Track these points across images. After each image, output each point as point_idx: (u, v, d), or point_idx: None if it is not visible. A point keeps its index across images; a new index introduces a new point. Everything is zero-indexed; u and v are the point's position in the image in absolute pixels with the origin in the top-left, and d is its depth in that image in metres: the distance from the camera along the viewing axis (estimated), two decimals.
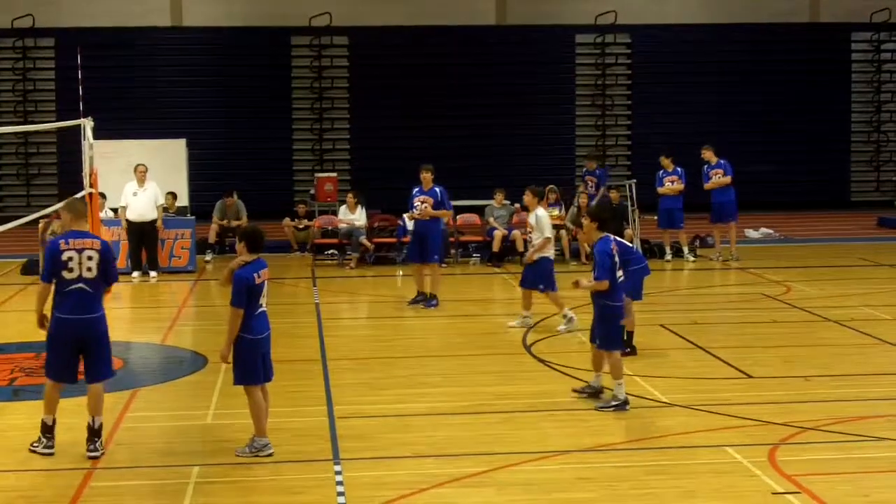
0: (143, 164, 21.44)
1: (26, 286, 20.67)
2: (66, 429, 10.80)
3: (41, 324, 10.09)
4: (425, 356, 14.37)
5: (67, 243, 9.81)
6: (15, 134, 28.97)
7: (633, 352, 13.63)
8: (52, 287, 9.91)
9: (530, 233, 16.10)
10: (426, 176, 17.90)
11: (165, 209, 23.20)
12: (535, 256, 15.70)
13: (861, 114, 32.20)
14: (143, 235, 21.14)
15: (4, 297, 19.26)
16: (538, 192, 16.44)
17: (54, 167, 29.76)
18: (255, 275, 9.83)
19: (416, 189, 17.99)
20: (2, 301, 18.87)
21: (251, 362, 9.85)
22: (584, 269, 22.18)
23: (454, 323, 16.46)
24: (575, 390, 11.96)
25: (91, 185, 18.86)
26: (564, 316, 15.44)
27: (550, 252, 15.84)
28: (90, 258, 9.77)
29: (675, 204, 23.10)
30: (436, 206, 17.76)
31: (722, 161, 23.07)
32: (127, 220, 21.16)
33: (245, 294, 9.71)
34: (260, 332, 9.89)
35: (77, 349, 9.95)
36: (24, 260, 22.49)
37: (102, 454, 9.95)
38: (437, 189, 17.84)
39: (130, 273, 20.98)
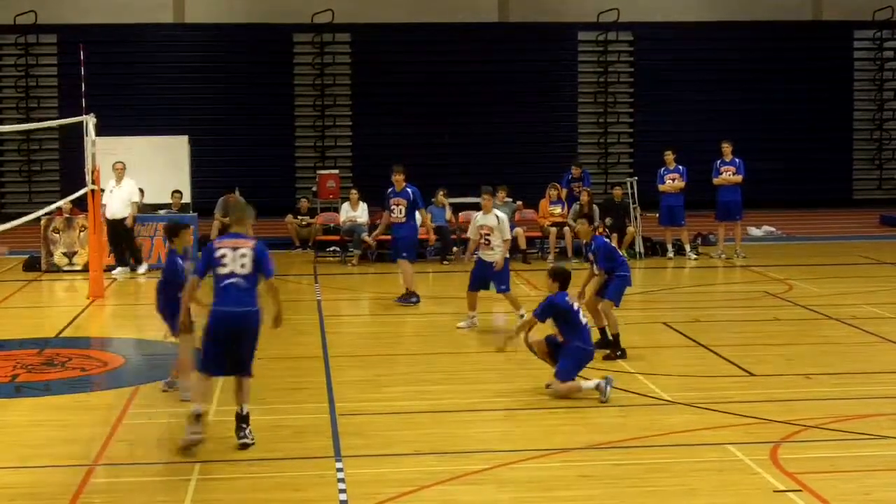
0: (121, 162, 21.35)
1: (28, 283, 20.70)
2: (60, 426, 10.83)
3: (186, 317, 10.66)
4: (427, 353, 14.37)
5: (223, 242, 10.28)
6: (17, 131, 28.95)
7: (623, 354, 13.54)
8: (198, 282, 10.35)
9: (487, 234, 15.64)
10: (398, 178, 17.92)
11: (169, 207, 23.24)
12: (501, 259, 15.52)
13: (863, 112, 32.16)
14: (117, 232, 21.04)
15: (6, 293, 19.26)
16: (493, 193, 16.35)
17: (56, 164, 29.75)
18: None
19: (390, 190, 18.04)
20: (4, 297, 18.86)
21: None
22: (585, 266, 22.20)
23: (456, 320, 16.44)
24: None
25: (93, 182, 18.91)
26: (521, 316, 15.00)
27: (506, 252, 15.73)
28: (244, 255, 10.11)
29: (676, 202, 23.11)
30: (409, 208, 17.81)
31: (736, 159, 23.06)
32: (104, 217, 21.14)
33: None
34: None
35: (231, 341, 10.11)
36: (26, 257, 22.51)
37: (253, 442, 10.07)
38: (410, 189, 17.88)
39: (114, 269, 20.99)
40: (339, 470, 9.43)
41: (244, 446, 10.05)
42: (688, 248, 23.40)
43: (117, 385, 12.57)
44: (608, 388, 11.52)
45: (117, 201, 21.10)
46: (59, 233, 21.84)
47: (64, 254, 21.78)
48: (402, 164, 18.24)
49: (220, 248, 10.16)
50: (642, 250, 23.38)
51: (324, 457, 9.82)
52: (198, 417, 9.97)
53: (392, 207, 17.93)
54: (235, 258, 10.06)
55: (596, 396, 11.58)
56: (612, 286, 13.65)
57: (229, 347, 10.08)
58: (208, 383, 10.31)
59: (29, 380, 12.89)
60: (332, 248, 23.79)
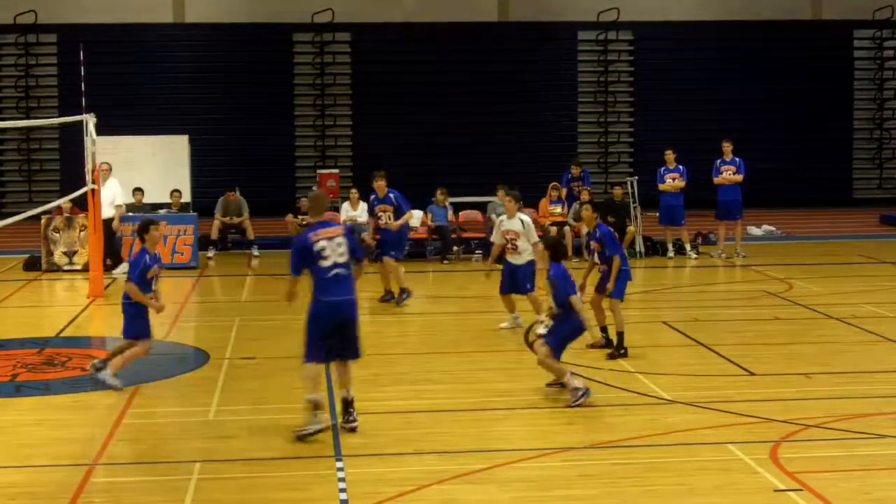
0: (107, 163, 21.14)
1: (28, 282, 20.69)
2: (60, 426, 10.83)
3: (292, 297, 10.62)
4: (427, 353, 14.37)
5: (317, 234, 10.39)
6: (17, 130, 28.96)
7: (625, 353, 13.57)
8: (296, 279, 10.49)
9: (514, 239, 15.37)
10: (379, 184, 17.94)
11: (169, 206, 23.22)
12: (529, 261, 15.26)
13: (863, 111, 32.16)
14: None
15: (7, 292, 19.26)
16: (518, 197, 15.74)
17: (56, 163, 29.75)
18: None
19: (373, 197, 18.04)
20: (4, 297, 18.86)
21: None
22: (584, 265, 22.20)
23: (456, 319, 16.45)
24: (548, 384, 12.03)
25: (93, 182, 18.91)
26: (541, 322, 14.47)
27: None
28: (339, 244, 10.37)
29: (676, 201, 23.12)
30: (396, 213, 17.78)
31: (737, 158, 23.06)
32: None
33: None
34: None
35: (336, 330, 10.39)
36: (27, 256, 22.50)
37: (357, 424, 10.43)
38: (392, 195, 17.87)
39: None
40: (340, 469, 9.44)
41: (353, 430, 10.40)
42: (688, 247, 23.40)
43: (118, 384, 12.53)
44: (584, 398, 11.36)
45: (102, 202, 20.94)
46: (59, 232, 21.84)
47: (64, 253, 21.78)
48: (382, 169, 18.21)
49: (317, 241, 10.36)
50: (643, 250, 23.38)
51: (324, 456, 9.83)
52: (317, 406, 10.31)
53: (379, 214, 17.91)
54: (334, 248, 10.39)
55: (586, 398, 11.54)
56: (617, 283, 13.57)
57: (338, 335, 10.42)
58: (320, 371, 10.54)
59: (29, 379, 12.89)
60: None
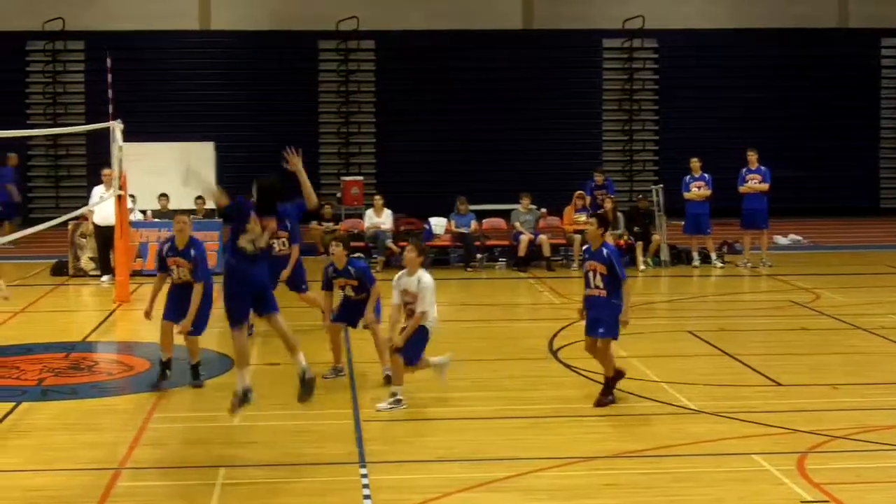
0: (111, 168, 21.24)
1: (55, 287, 20.79)
2: (86, 430, 10.86)
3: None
4: (451, 360, 14.31)
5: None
6: (45, 136, 29.13)
7: (613, 399, 11.79)
8: None
9: (410, 303, 11.92)
10: (337, 251, 16.41)
11: (194, 212, 23.27)
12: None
13: (891, 119, 31.99)
14: (107, 239, 20.96)
15: (34, 297, 19.35)
16: (423, 249, 12.70)
17: (83, 169, 29.87)
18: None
19: (330, 267, 16.69)
20: (32, 302, 18.95)
21: None
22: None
23: (480, 327, 16.43)
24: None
25: (120, 188, 18.99)
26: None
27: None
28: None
29: (701, 210, 23.03)
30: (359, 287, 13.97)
31: (762, 167, 22.96)
32: (94, 224, 21.12)
33: None
34: None
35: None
36: (54, 261, 22.61)
37: None
38: (352, 268, 14.19)
39: (100, 276, 21.02)
40: (364, 476, 9.43)
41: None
42: (713, 256, 23.31)
43: (142, 389, 12.59)
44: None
45: (107, 208, 21.00)
46: (86, 238, 21.92)
47: (91, 258, 21.86)
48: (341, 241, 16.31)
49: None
50: (668, 258, 23.31)
51: (348, 463, 9.82)
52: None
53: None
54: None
55: (611, 407, 11.50)
56: (608, 316, 11.50)
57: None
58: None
59: (55, 383, 12.94)
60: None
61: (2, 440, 10.69)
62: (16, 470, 9.74)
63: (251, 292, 10.33)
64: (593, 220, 11.98)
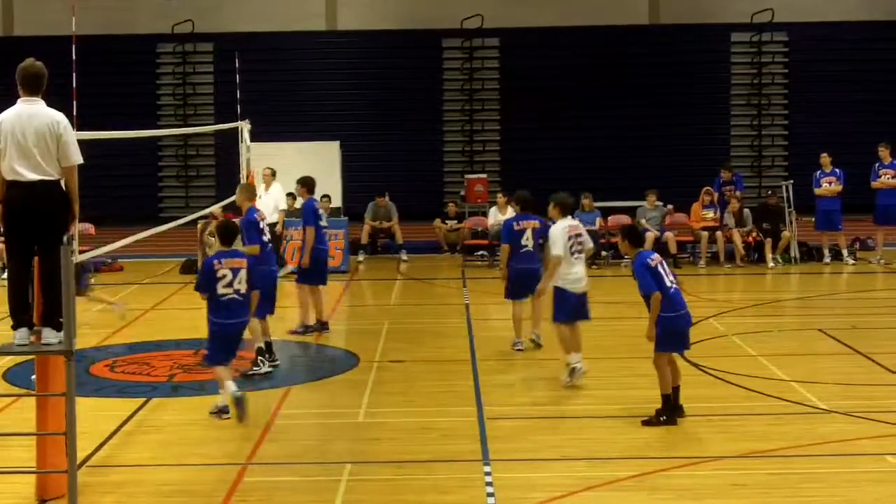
0: (270, 168, 21.59)
1: (185, 284, 21.21)
2: (214, 425, 11.04)
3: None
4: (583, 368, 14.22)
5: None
6: (175, 136, 29.79)
7: (668, 419, 10.99)
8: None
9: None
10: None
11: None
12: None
13: None
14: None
15: (164, 295, 19.79)
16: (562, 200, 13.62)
17: (212, 169, 30.49)
18: (217, 262, 11.40)
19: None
20: (162, 299, 19.38)
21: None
22: (737, 271, 21.80)
23: (605, 325, 16.27)
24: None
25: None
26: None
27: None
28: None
29: (833, 206, 22.53)
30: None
31: (895, 161, 22.39)
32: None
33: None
34: (226, 318, 11.19)
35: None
36: (184, 259, 23.09)
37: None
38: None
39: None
40: (487, 474, 9.42)
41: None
42: (845, 252, 22.77)
43: (270, 385, 12.78)
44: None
45: (265, 207, 21.36)
46: (214, 237, 22.29)
47: None
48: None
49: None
50: (798, 255, 22.84)
51: (472, 460, 9.82)
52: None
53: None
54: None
55: (731, 405, 11.30)
56: (659, 330, 10.95)
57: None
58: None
59: (185, 380, 13.20)
60: (480, 253, 23.80)
61: (133, 435, 10.95)
62: (147, 465, 9.96)
63: None
64: (621, 234, 11.79)
